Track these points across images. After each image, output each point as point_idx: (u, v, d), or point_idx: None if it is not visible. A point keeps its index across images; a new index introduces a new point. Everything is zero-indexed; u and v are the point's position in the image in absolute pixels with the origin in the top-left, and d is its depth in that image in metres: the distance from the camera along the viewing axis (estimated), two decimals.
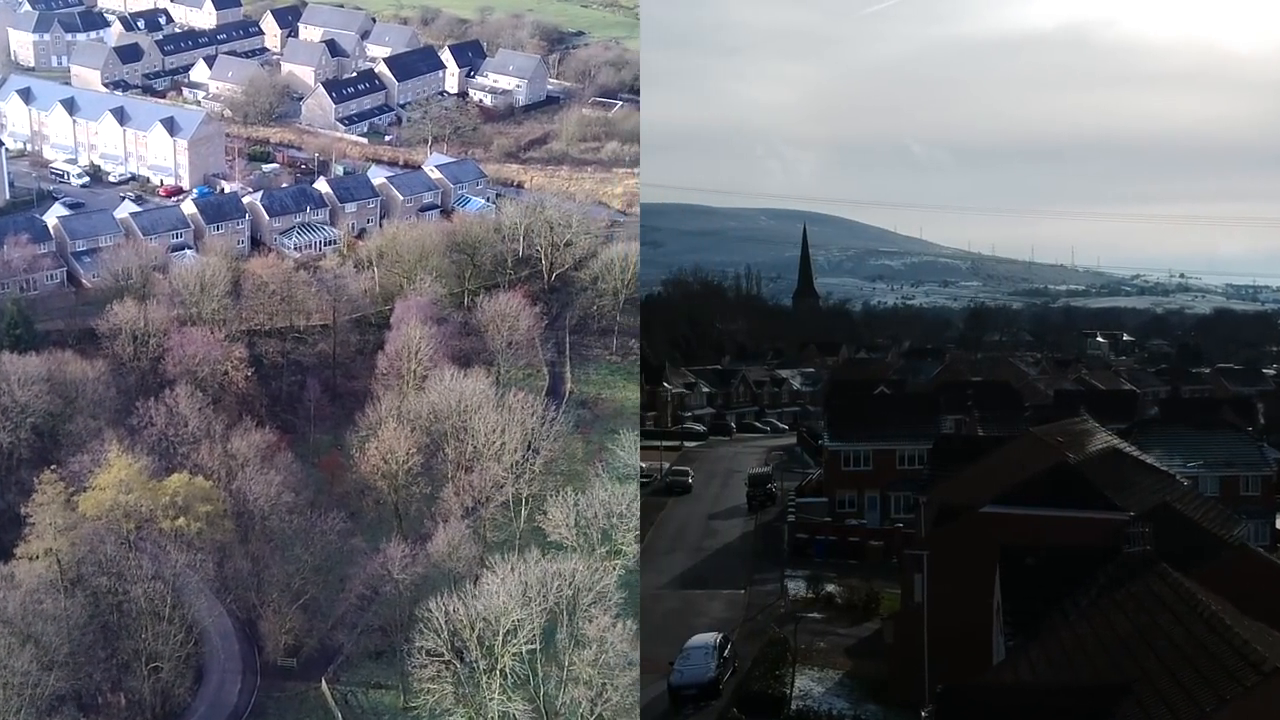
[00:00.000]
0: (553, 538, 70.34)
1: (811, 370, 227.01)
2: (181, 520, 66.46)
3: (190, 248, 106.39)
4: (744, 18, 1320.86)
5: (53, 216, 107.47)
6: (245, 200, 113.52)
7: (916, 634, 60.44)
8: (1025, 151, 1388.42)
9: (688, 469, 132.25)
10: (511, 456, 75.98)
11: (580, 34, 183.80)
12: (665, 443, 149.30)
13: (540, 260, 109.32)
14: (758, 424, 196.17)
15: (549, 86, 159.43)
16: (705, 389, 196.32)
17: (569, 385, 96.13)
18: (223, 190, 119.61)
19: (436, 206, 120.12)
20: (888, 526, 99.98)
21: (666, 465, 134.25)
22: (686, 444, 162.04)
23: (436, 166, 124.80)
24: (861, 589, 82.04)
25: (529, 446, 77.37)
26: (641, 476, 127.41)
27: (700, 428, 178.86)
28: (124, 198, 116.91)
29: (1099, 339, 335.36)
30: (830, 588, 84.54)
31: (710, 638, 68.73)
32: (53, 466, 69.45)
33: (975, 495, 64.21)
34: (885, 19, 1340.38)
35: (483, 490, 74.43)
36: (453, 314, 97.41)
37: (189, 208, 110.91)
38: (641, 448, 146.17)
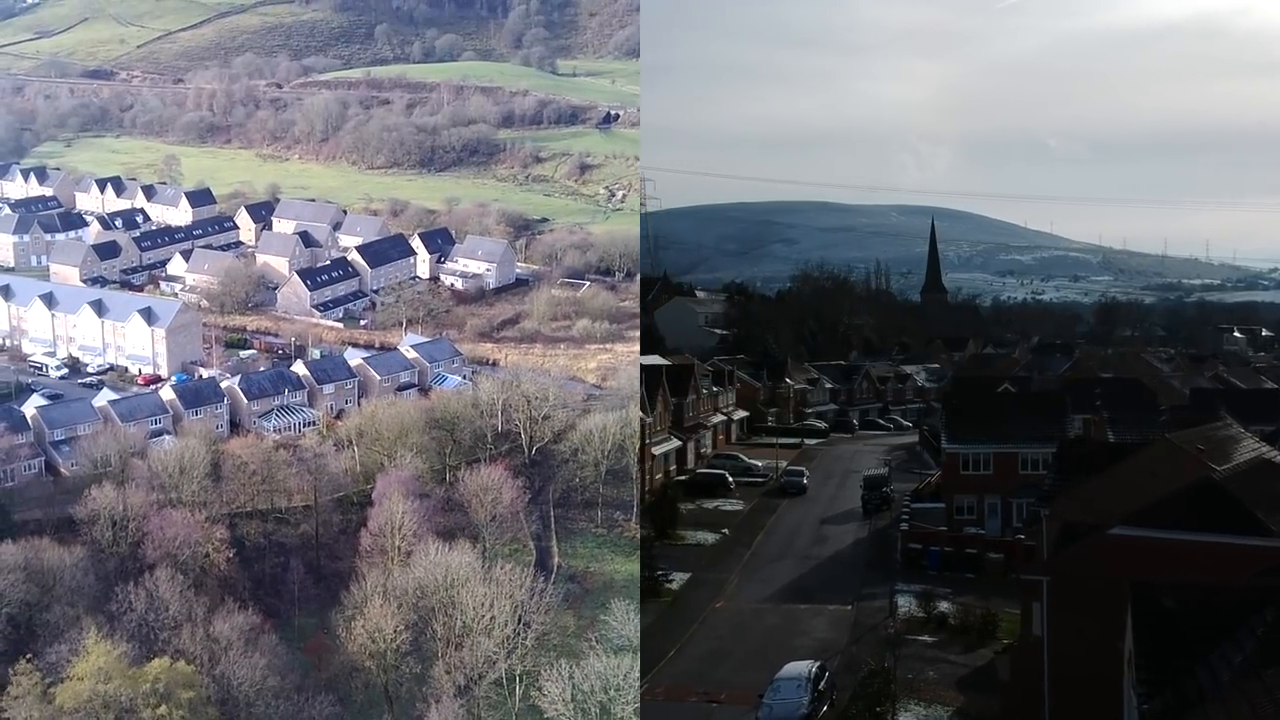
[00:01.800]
0: (549, 715, 65.44)
1: (937, 366, 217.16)
2: (163, 709, 61.16)
3: (169, 433, 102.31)
4: (875, 17, 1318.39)
5: (31, 407, 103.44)
6: (223, 385, 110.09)
7: (1035, 672, 52.96)
8: (1159, 143, 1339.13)
9: (803, 469, 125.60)
10: (502, 631, 71.28)
11: (544, 220, 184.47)
12: (785, 440, 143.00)
13: (520, 434, 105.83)
14: (881, 421, 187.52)
15: (517, 269, 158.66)
16: (829, 385, 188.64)
17: (556, 559, 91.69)
18: (200, 377, 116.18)
19: (414, 385, 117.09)
20: (1008, 537, 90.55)
21: (784, 464, 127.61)
22: (807, 441, 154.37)
23: (412, 346, 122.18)
24: (977, 609, 73.65)
25: (520, 620, 72.73)
26: (757, 475, 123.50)
27: (821, 424, 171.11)
28: (100, 383, 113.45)
29: (1235, 334, 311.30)
30: (943, 606, 75.76)
31: (805, 667, 60.62)
32: (27, 656, 64.26)
33: (1103, 512, 55.67)
34: (1018, 13, 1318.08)
35: (474, 667, 69.52)
36: (434, 489, 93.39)
37: (167, 394, 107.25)
38: (760, 445, 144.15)
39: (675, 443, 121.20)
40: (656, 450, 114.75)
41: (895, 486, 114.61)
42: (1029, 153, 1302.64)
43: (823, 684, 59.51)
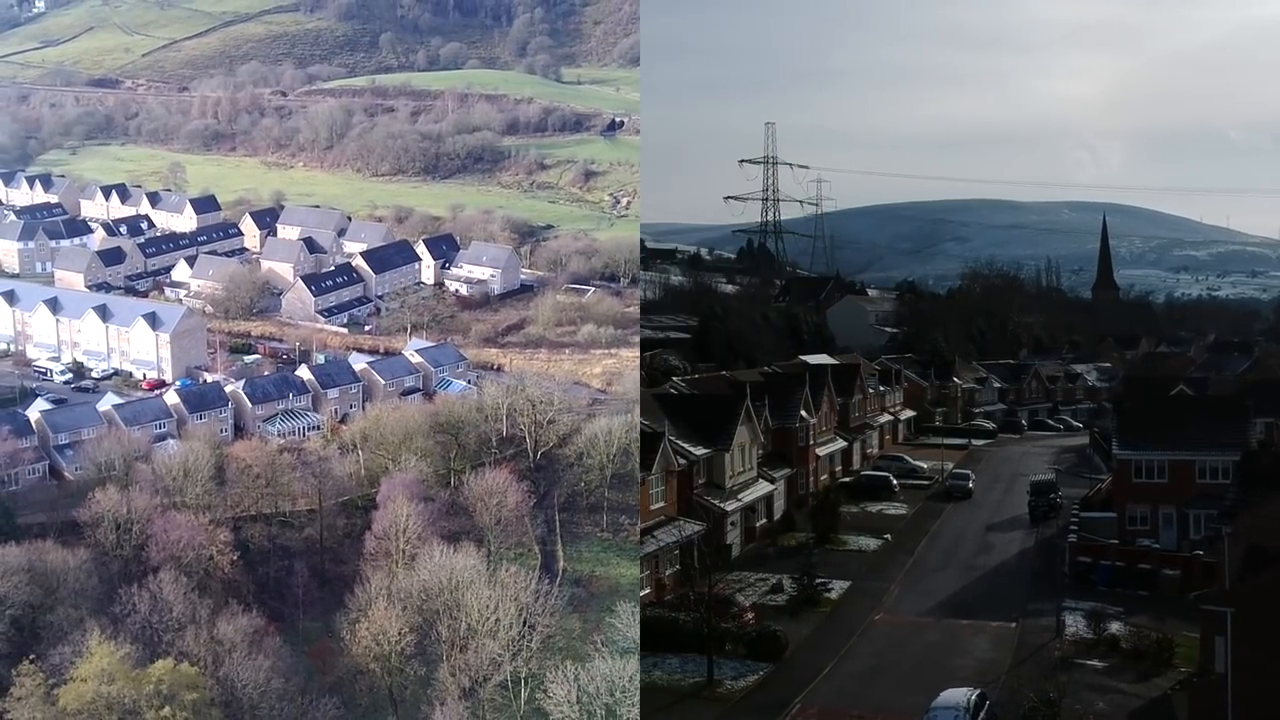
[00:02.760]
0: (555, 717, 64.98)
1: (1108, 365, 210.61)
2: (166, 710, 60.79)
3: (173, 437, 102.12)
4: (1048, 15, 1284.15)
5: (35, 411, 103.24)
6: (228, 389, 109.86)
7: (1217, 715, 48.34)
8: None
9: (969, 472, 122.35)
10: (507, 633, 70.79)
11: (549, 226, 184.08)
12: (951, 440, 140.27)
13: (524, 438, 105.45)
14: (1050, 422, 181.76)
15: (522, 275, 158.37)
16: (997, 384, 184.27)
17: (562, 563, 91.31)
18: (205, 381, 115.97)
19: (418, 389, 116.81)
20: (1185, 553, 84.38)
21: (949, 466, 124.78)
22: (974, 442, 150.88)
23: (417, 351, 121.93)
24: (1151, 632, 68.41)
25: (525, 623, 72.29)
26: (922, 477, 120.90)
27: (989, 425, 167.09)
28: (95, 386, 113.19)
29: None
30: (1114, 627, 70.26)
31: (964, 695, 55.90)
32: (30, 658, 63.91)
33: None
34: (1192, 5, 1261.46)
35: (479, 669, 69.04)
36: (439, 493, 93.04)
37: (172, 398, 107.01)
38: (925, 445, 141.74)
39: (841, 443, 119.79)
40: (821, 451, 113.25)
41: (1064, 492, 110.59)
42: (1206, 145, 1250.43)
43: (982, 714, 55.28)
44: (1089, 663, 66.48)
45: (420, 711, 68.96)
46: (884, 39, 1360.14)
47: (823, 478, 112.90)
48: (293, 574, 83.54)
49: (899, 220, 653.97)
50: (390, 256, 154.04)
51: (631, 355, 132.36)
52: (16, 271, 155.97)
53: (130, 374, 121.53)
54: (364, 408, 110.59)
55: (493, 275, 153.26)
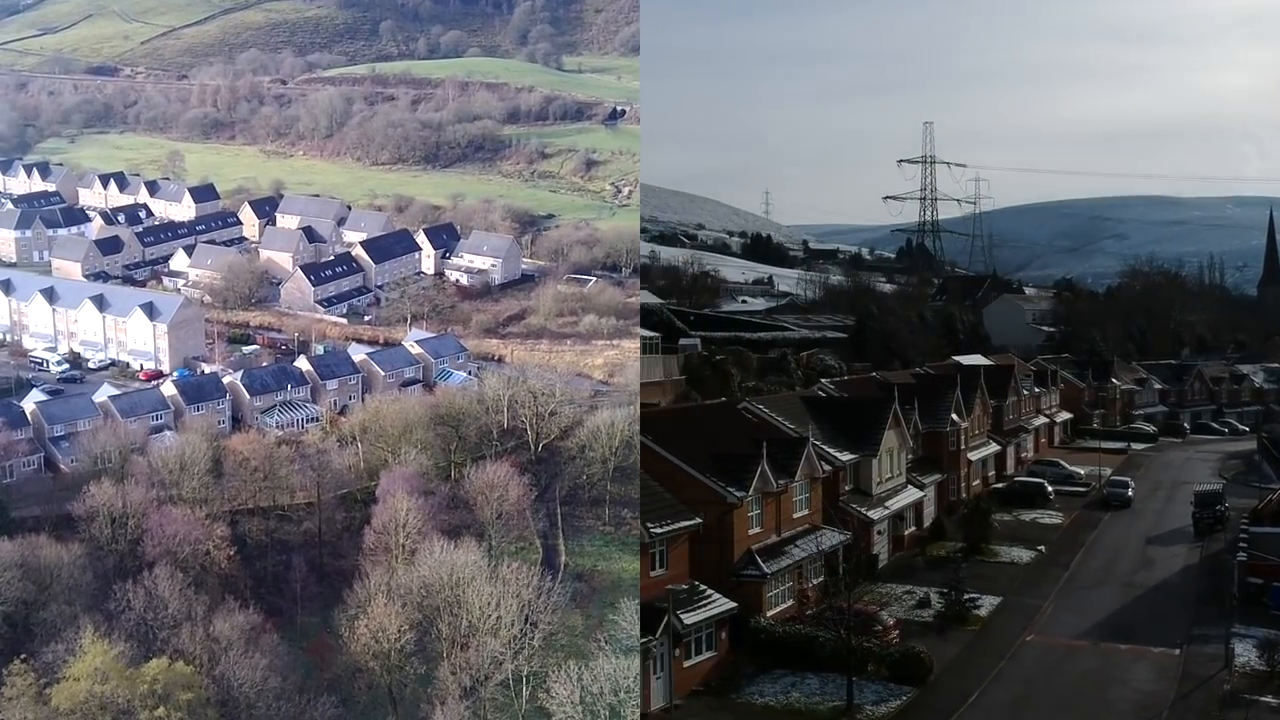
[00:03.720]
0: (557, 717, 63.63)
1: (1276, 366, 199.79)
2: (161, 710, 59.40)
3: (170, 429, 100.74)
4: (1207, 7, 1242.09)
5: (30, 402, 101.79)
6: (226, 380, 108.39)
7: None
8: None
9: (1128, 479, 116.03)
10: (509, 631, 69.47)
11: (550, 216, 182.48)
12: (1109, 444, 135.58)
13: (526, 431, 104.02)
14: (1214, 425, 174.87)
15: (523, 265, 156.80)
16: (1158, 385, 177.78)
17: (563, 557, 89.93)
18: (203, 372, 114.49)
19: (418, 381, 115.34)
20: None
21: (1107, 472, 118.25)
22: (1133, 446, 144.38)
23: (417, 341, 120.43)
24: None
25: (526, 620, 70.92)
26: (1078, 484, 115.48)
27: (1150, 428, 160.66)
28: (81, 377, 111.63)
29: None
30: None
31: None
32: (22, 657, 62.50)
33: None
34: None
35: (480, 668, 67.66)
36: (440, 486, 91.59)
37: (169, 389, 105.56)
38: (1082, 450, 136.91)
39: (994, 447, 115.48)
40: (973, 455, 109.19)
41: (1231, 503, 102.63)
42: None
43: None
44: (1262, 699, 60.34)
45: (420, 710, 67.57)
46: (1040, 36, 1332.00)
47: (974, 483, 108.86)
48: (291, 569, 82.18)
49: (1057, 218, 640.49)
50: (390, 246, 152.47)
51: (634, 346, 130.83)
52: (14, 260, 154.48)
53: (127, 365, 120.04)
54: (363, 399, 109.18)
55: (493, 265, 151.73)
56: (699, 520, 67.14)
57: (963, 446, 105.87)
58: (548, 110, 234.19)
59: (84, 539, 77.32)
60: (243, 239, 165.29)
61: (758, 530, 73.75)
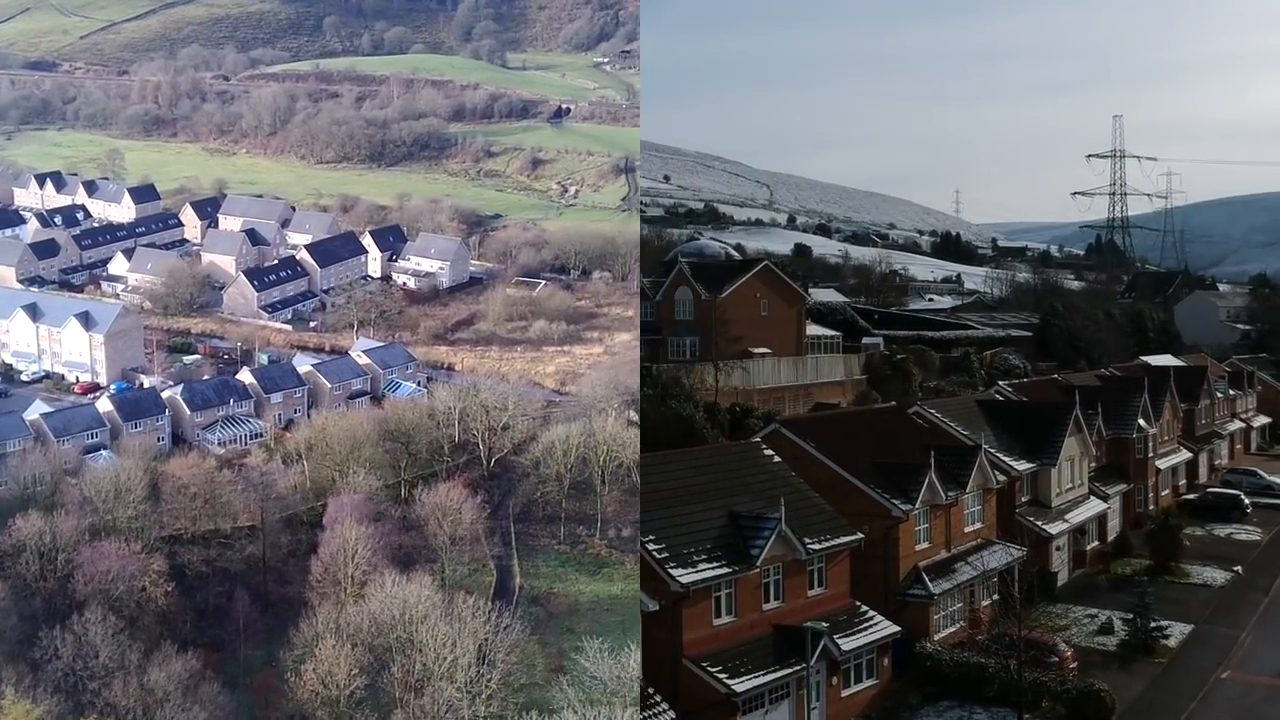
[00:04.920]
0: None
1: None
2: None
3: (106, 448, 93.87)
4: None
5: None
6: (165, 395, 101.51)
7: None
8: None
9: None
10: (465, 673, 63.96)
11: (498, 216, 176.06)
12: None
13: (478, 445, 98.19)
14: None
15: (471, 268, 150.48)
16: None
17: (518, 579, 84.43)
18: (141, 385, 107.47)
19: (366, 393, 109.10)
20: None
21: None
22: None
23: (364, 352, 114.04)
24: None
25: (483, 660, 65.41)
26: (1278, 495, 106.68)
27: None
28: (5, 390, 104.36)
29: None
30: None
31: None
32: None
33: None
34: None
35: (436, 716, 62.08)
36: (390, 508, 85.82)
37: (105, 405, 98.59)
38: None
39: (1184, 454, 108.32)
40: (1162, 464, 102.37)
41: None
42: None
43: None
44: None
45: None
46: (1231, 25, 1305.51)
47: (1163, 494, 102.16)
48: (233, 600, 75.90)
49: (1254, 211, 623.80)
50: (336, 249, 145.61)
51: (586, 352, 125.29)
52: None
53: (62, 377, 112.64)
54: (309, 413, 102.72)
55: (441, 268, 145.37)
56: (861, 535, 62.50)
57: (1150, 454, 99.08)
58: (493, 108, 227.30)
59: (8, 577, 70.65)
60: (184, 241, 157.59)
61: (925, 546, 68.91)
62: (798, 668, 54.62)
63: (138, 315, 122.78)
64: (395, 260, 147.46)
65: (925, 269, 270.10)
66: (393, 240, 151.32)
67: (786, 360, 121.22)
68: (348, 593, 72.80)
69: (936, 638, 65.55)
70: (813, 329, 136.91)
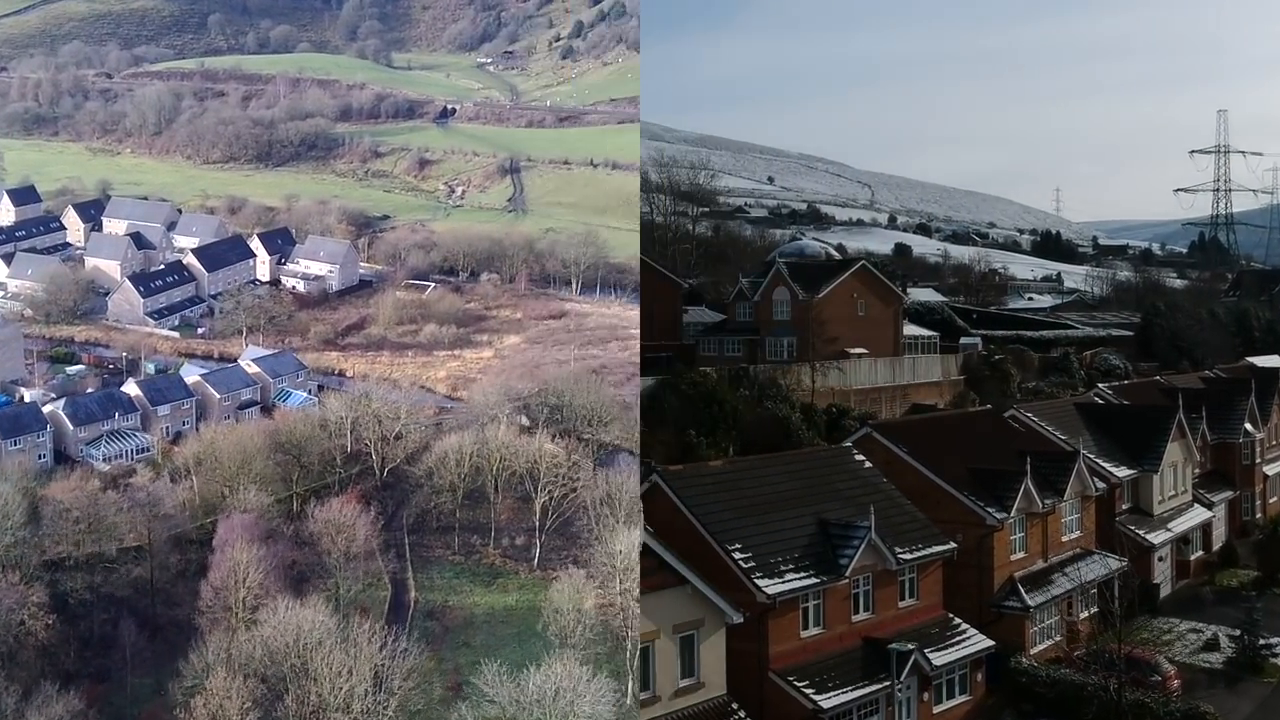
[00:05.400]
0: None
1: None
2: None
3: None
4: None
5: None
6: (46, 409, 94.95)
7: None
8: None
9: None
10: (361, 702, 60.11)
11: (386, 217, 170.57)
12: None
13: (370, 455, 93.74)
14: None
15: (361, 270, 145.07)
16: None
17: (413, 593, 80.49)
18: (22, 399, 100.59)
19: (256, 403, 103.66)
20: None
21: None
22: None
23: (253, 360, 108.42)
24: None
25: (380, 686, 61.60)
26: None
27: None
28: None
29: None
30: None
31: None
32: None
33: None
34: None
35: None
36: (281, 525, 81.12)
37: None
38: None
39: None
40: (1270, 470, 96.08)
41: None
42: None
43: None
44: None
45: None
46: None
47: (1271, 501, 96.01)
48: (119, 627, 70.66)
49: None
50: (224, 253, 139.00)
51: (476, 356, 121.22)
52: None
53: None
54: (197, 426, 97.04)
55: (330, 271, 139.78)
56: (954, 544, 59.04)
57: (1257, 459, 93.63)
58: (379, 108, 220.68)
59: None
60: (67, 245, 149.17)
61: (1021, 556, 65.23)
62: (887, 683, 51.89)
63: (17, 324, 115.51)
64: (284, 263, 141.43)
65: (1025, 268, 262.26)
66: (281, 243, 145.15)
67: (883, 360, 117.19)
68: (239, 619, 68.24)
69: (1032, 652, 61.81)
70: (910, 329, 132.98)
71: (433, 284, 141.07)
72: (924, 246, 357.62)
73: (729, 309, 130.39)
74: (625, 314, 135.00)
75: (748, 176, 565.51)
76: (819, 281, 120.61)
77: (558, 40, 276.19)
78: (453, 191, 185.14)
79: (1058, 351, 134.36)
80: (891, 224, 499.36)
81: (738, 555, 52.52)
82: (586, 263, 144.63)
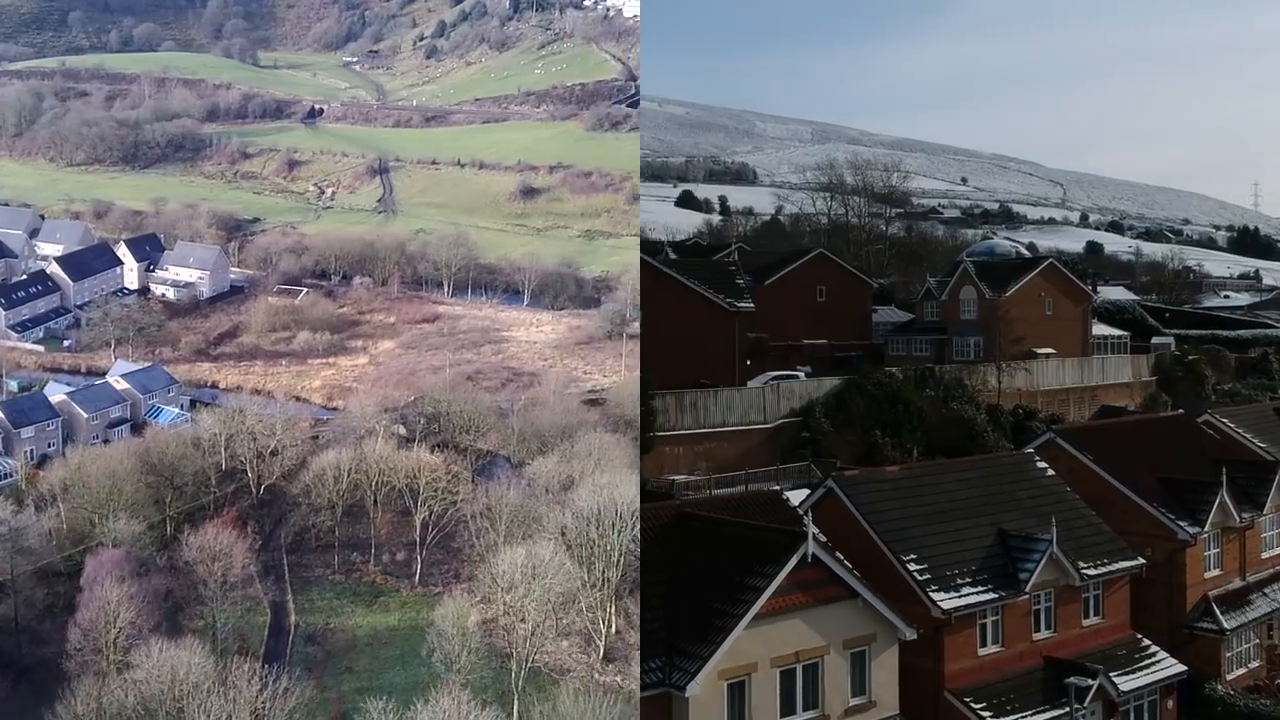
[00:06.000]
0: None
1: None
2: None
3: None
4: None
5: None
6: None
7: None
8: None
9: None
10: None
11: (256, 220, 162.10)
12: None
13: (246, 473, 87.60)
14: None
15: (232, 275, 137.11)
16: None
17: (293, 617, 75.12)
18: None
19: (126, 420, 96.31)
20: None
21: None
22: None
23: (123, 376, 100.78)
24: None
25: None
26: None
27: None
28: None
29: None
30: None
31: None
32: None
33: None
34: None
35: None
36: (154, 554, 74.89)
37: None
38: None
39: None
40: None
41: None
42: None
43: None
44: None
45: None
46: None
47: None
48: None
49: None
50: (89, 261, 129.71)
51: (351, 364, 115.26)
52: None
53: None
54: (64, 448, 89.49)
55: (201, 277, 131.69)
56: (1142, 560, 53.89)
57: None
58: (247, 108, 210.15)
59: None
60: None
61: (1215, 574, 59.52)
62: (1068, 709, 47.32)
63: None
64: (153, 271, 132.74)
65: (1221, 265, 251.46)
66: (150, 249, 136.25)
67: (1071, 361, 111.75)
68: (110, 661, 62.25)
69: (1228, 678, 56.60)
70: (1099, 328, 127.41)
71: (305, 289, 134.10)
72: (1116, 244, 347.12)
73: (917, 308, 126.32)
74: (498, 316, 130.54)
75: (941, 178, 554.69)
76: (1006, 280, 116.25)
77: (421, 40, 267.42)
78: (323, 193, 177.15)
79: (1256, 352, 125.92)
80: (1083, 222, 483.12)
81: (912, 566, 48.64)
82: (458, 264, 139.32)
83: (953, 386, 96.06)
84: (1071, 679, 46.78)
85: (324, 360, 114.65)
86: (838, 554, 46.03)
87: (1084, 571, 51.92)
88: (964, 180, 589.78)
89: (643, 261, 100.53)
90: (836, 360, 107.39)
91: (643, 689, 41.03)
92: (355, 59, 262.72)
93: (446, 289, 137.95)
